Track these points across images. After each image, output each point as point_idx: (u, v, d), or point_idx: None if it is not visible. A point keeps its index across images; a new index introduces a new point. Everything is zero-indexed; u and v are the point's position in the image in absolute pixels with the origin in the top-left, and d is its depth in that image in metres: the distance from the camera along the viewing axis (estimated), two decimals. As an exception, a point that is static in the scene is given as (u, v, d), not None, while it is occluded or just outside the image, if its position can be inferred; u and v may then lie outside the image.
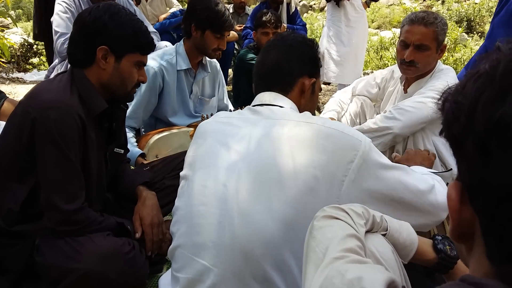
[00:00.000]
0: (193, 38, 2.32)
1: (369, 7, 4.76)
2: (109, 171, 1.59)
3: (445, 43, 1.98)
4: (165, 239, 1.53)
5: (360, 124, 2.31)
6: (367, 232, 0.89)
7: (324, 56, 4.49)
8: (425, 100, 1.84)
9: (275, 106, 1.21)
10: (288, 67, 1.27)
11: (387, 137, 1.93)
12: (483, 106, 0.45)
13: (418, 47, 1.91)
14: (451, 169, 1.52)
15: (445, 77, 1.96)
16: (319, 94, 4.71)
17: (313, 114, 1.27)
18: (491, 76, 0.45)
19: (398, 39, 2.05)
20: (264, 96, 1.26)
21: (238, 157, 1.12)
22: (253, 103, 1.27)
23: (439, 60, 2.04)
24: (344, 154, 1.07)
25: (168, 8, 4.95)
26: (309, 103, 1.31)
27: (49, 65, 4.09)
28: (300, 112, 1.22)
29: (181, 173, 1.24)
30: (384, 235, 0.94)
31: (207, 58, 2.48)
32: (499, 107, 0.43)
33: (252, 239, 1.02)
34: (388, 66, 6.11)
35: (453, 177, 1.72)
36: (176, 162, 1.80)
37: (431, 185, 1.17)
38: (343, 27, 4.53)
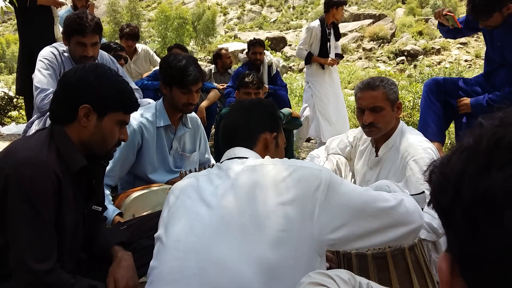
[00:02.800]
0: (166, 95, 2.37)
1: (338, 63, 4.99)
2: (85, 230, 1.54)
3: (400, 101, 2.12)
4: (140, 303, 1.47)
5: None
6: None
7: (317, 118, 4.69)
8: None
9: (241, 158, 1.30)
10: (248, 127, 1.39)
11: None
12: (469, 179, 0.46)
13: (373, 109, 2.04)
14: (423, 191, 1.54)
15: (411, 136, 2.06)
16: (299, 150, 4.77)
17: None
18: (475, 150, 0.47)
19: None
20: (230, 152, 1.35)
21: (209, 209, 1.16)
22: (221, 160, 1.36)
23: (401, 120, 2.16)
24: (308, 184, 1.13)
25: (152, 67, 5.05)
26: (275, 156, 1.37)
27: (27, 120, 4.06)
28: None
29: (156, 235, 1.26)
30: None
31: (188, 114, 2.51)
32: (484, 179, 0.44)
33: (229, 287, 1.03)
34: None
35: (426, 201, 1.73)
36: (154, 221, 1.74)
37: (399, 198, 1.21)
38: (328, 87, 4.78)
